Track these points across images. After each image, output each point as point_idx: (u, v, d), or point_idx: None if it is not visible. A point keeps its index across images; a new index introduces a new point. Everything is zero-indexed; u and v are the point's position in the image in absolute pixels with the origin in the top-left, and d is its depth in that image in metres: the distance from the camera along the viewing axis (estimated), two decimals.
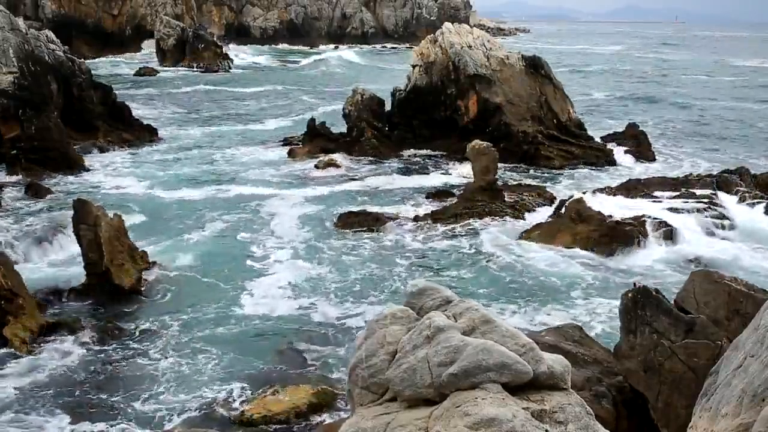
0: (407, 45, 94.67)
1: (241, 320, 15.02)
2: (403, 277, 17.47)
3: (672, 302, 9.65)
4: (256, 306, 15.81)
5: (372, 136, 29.95)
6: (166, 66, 67.45)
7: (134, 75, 61.36)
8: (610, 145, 31.54)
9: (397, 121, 31.47)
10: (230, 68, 69.73)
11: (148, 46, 74.81)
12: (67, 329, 14.03)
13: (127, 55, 75.05)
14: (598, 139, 32.15)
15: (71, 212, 16.52)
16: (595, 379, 9.56)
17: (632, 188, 23.89)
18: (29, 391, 12.08)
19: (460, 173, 27.07)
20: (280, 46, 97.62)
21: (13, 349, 13.10)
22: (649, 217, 20.78)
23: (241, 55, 79.04)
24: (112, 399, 11.95)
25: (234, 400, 11.92)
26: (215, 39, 78.92)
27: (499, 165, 23.45)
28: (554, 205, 22.04)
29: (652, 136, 33.84)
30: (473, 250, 19.31)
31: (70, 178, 26.26)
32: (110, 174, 27.17)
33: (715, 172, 25.41)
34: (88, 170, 27.31)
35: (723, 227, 20.50)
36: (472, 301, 5.13)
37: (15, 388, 12.11)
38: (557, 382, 4.52)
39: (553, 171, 28.37)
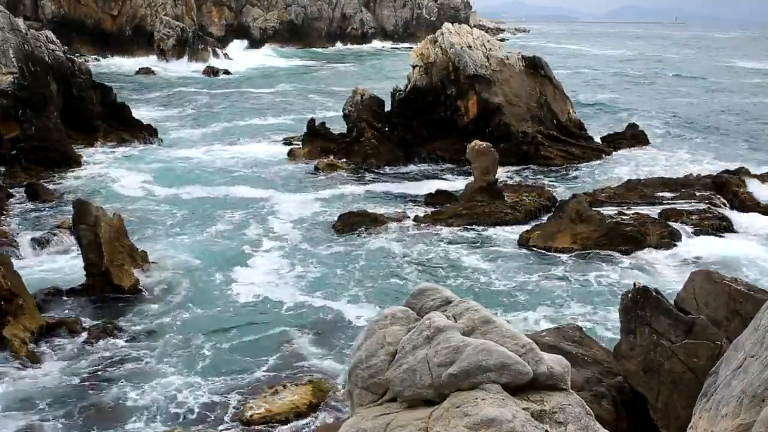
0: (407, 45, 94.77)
1: (241, 320, 15.03)
2: (403, 278, 17.48)
3: (672, 302, 9.65)
4: (256, 306, 15.83)
5: (372, 136, 29.93)
6: (165, 66, 67.48)
7: (135, 74, 61.42)
8: (609, 146, 31.59)
9: (397, 122, 31.45)
10: (230, 65, 69.81)
11: (146, 51, 74.30)
12: (67, 329, 14.03)
13: (126, 57, 74.74)
14: (598, 140, 32.19)
15: (71, 212, 16.52)
16: (595, 380, 9.55)
17: (632, 189, 23.94)
18: (28, 391, 12.08)
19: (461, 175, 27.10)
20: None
21: (12, 350, 13.09)
22: (649, 217, 20.82)
23: (241, 55, 79.03)
24: (112, 399, 11.95)
25: (234, 400, 11.92)
26: (215, 39, 79.06)
27: (499, 165, 23.46)
28: (554, 206, 22.03)
29: (652, 137, 33.87)
30: (473, 251, 19.31)
31: (70, 178, 26.28)
32: (110, 174, 27.16)
33: (715, 173, 25.44)
34: (88, 170, 27.31)
35: (723, 228, 20.51)
36: (472, 302, 5.13)
37: (14, 389, 12.11)
38: (557, 382, 4.53)
39: (553, 171, 28.39)
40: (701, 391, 5.86)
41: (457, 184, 26.13)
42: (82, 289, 15.87)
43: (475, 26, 48.47)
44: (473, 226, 21.05)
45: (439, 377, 4.47)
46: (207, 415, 11.52)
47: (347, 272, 17.82)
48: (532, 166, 28.92)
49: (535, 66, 31.81)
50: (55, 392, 12.08)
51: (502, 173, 24.43)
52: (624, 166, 29.08)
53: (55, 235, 19.16)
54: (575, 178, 27.65)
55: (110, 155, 30.02)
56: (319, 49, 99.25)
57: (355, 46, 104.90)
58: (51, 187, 24.57)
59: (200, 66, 67.38)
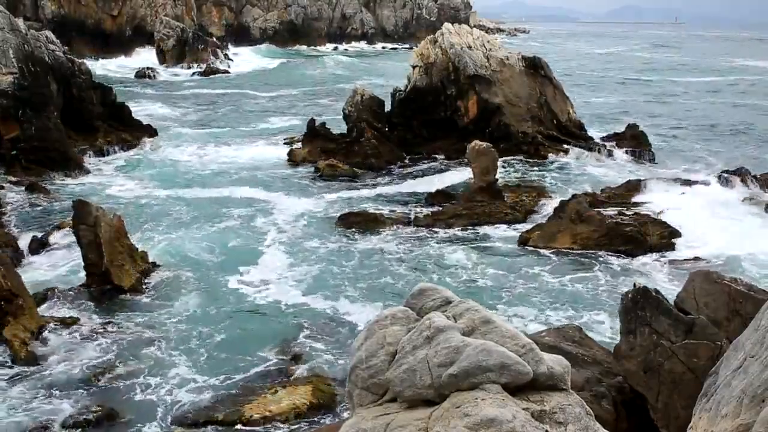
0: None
1: (240, 320, 15.03)
2: (402, 278, 17.48)
3: (672, 303, 9.65)
4: (255, 306, 15.83)
5: (372, 136, 29.92)
6: (165, 67, 67.47)
7: (134, 77, 61.44)
8: (610, 146, 31.59)
9: (397, 122, 31.46)
10: (230, 65, 69.85)
11: (146, 51, 74.25)
12: (67, 330, 14.03)
13: (126, 58, 74.69)
14: (598, 140, 32.17)
15: (71, 212, 16.52)
16: (595, 380, 9.55)
17: (632, 189, 23.94)
18: (28, 391, 12.08)
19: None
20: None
21: (12, 350, 13.09)
22: (649, 217, 20.82)
23: (241, 55, 79.02)
24: (111, 399, 11.95)
25: (234, 400, 11.91)
26: (215, 39, 79.07)
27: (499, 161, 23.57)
28: (554, 206, 22.01)
29: (652, 136, 33.83)
30: (472, 251, 19.31)
31: (70, 178, 26.29)
32: (110, 174, 27.18)
33: (715, 173, 25.45)
34: (87, 170, 27.31)
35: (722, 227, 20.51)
36: (472, 302, 5.12)
37: (13, 388, 12.11)
38: (557, 382, 4.52)
39: (553, 171, 28.37)
40: (701, 391, 5.86)
41: (457, 184, 26.14)
42: (82, 289, 15.87)
43: (475, 26, 48.43)
44: (473, 227, 21.04)
45: (439, 377, 4.47)
46: (207, 415, 11.51)
47: (347, 272, 17.82)
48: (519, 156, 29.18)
49: (535, 66, 31.81)
50: (55, 392, 12.08)
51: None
52: (624, 166, 29.08)
53: (54, 235, 19.16)
54: (575, 178, 27.59)
55: (111, 155, 30.00)
56: (319, 50, 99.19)
57: (355, 47, 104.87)
58: (51, 187, 24.57)
59: (200, 66, 67.34)
